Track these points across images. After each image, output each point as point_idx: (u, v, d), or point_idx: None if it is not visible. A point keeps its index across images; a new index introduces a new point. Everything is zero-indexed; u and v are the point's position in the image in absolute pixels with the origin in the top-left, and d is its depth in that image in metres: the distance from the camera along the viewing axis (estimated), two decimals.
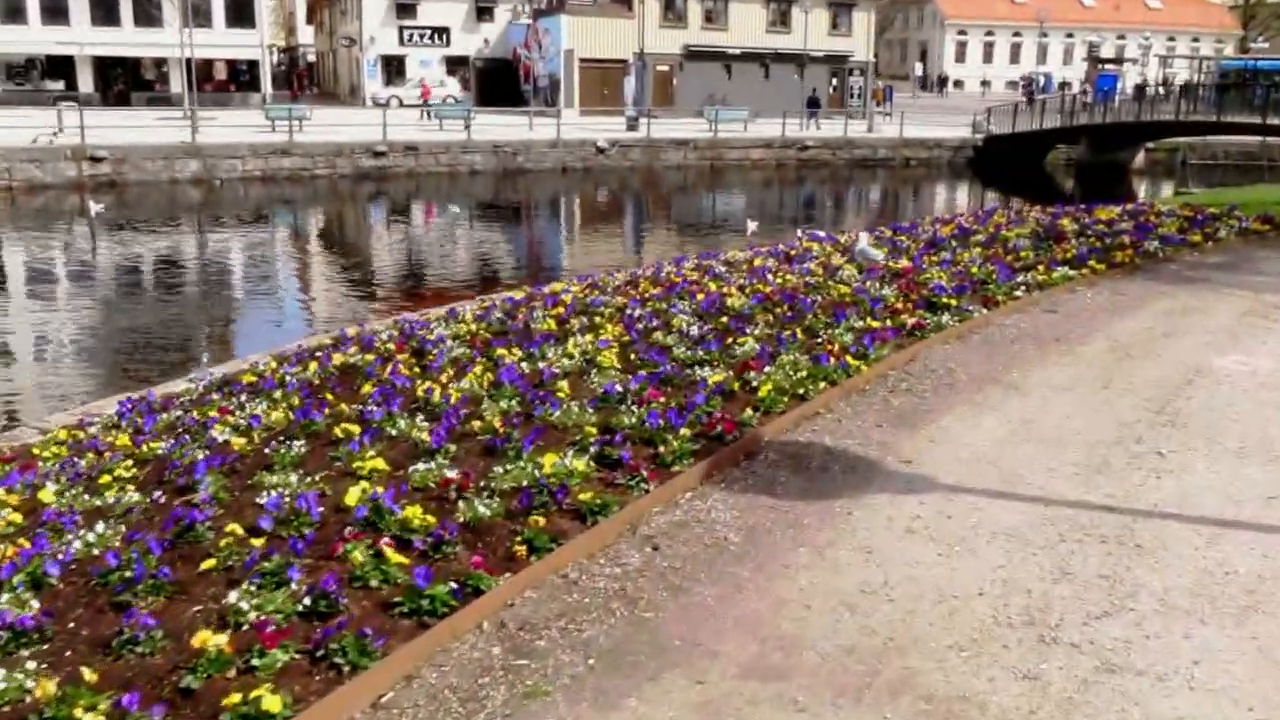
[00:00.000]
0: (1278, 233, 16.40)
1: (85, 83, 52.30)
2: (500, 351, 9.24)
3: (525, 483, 5.98)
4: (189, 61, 41.38)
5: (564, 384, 7.90)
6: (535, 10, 55.74)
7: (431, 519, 5.46)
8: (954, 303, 9.93)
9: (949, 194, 46.05)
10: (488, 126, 44.28)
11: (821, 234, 19.80)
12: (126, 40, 50.27)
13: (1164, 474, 6.56)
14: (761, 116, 48.89)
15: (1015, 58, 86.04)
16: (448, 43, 58.27)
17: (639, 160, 44.25)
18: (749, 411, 7.28)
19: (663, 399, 7.42)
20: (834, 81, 60.00)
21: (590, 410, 7.36)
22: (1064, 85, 69.43)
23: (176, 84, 52.79)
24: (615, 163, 43.75)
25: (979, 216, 18.04)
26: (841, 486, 6.31)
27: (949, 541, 5.57)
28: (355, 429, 7.02)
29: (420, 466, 6.33)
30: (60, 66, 52.09)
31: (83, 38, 50.91)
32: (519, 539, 5.35)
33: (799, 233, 19.16)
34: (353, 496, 5.63)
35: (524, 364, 8.77)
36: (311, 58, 79.12)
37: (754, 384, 7.79)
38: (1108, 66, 66.99)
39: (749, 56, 57.16)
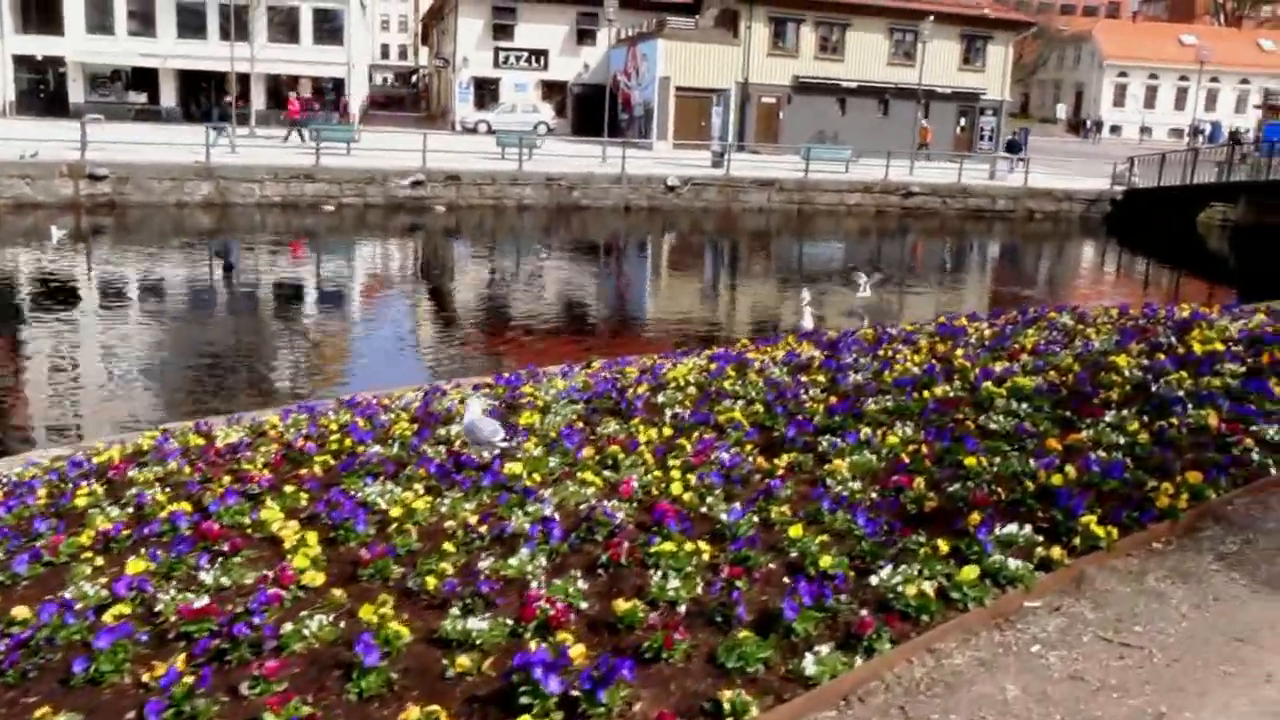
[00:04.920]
0: None
1: (168, 96, 48.86)
2: None
3: None
4: (234, 75, 36.87)
5: None
6: (636, 34, 49.72)
7: None
8: None
9: (1074, 256, 37.87)
10: (562, 157, 38.31)
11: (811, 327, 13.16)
12: (211, 54, 46.35)
13: None
14: (875, 157, 41.35)
15: (1180, 104, 75.37)
16: (545, 66, 52.71)
17: (715, 201, 37.68)
18: None
19: None
20: (962, 121, 52.11)
21: None
22: (1233, 135, 59.57)
23: (260, 100, 48.95)
24: (687, 203, 37.30)
25: (1005, 330, 10.98)
26: None
27: None
28: None
29: None
30: (145, 79, 48.77)
31: (167, 50, 47.43)
32: None
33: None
34: None
35: None
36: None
37: None
38: None
39: (866, 91, 49.75)
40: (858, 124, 48.35)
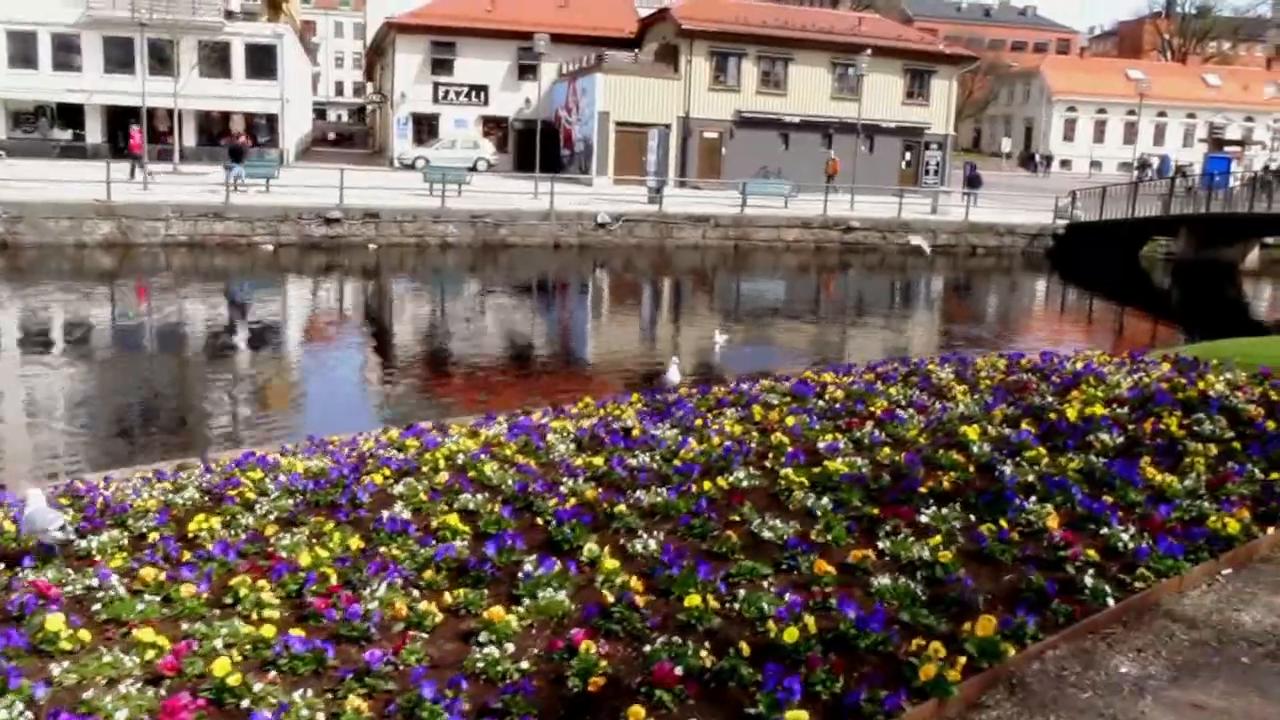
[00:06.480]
0: None
1: (94, 133, 47.00)
2: None
3: None
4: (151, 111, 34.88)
5: None
6: (576, 70, 48.40)
7: None
8: None
9: (1013, 292, 36.63)
10: (492, 194, 36.72)
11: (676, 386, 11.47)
12: (139, 89, 44.49)
13: None
14: (819, 192, 40.14)
15: (1129, 137, 74.65)
16: (486, 102, 51.19)
17: (648, 237, 36.17)
18: None
19: None
20: (907, 155, 50.97)
21: None
22: (1180, 169, 58.80)
23: (190, 137, 47.22)
24: (619, 240, 35.75)
25: (868, 388, 9.35)
26: None
27: None
28: None
29: None
30: (71, 115, 46.91)
31: (93, 85, 45.61)
32: None
33: None
34: None
35: None
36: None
37: None
38: (1228, 149, 56.15)
39: (809, 125, 48.53)
40: (801, 158, 47.08)
